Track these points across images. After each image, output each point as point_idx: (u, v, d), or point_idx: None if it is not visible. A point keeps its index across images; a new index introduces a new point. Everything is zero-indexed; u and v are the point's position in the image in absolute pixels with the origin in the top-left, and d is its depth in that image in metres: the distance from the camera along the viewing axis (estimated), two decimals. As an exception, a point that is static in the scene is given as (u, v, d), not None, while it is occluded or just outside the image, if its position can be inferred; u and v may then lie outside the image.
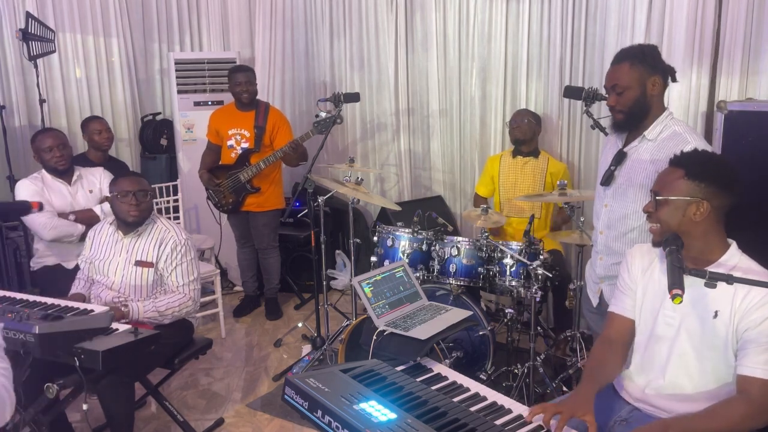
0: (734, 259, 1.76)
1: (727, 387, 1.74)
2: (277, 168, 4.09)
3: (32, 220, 3.28)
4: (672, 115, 2.26)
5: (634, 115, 2.21)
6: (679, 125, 2.22)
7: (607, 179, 2.31)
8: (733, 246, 1.79)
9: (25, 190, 3.32)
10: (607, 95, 2.28)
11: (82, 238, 3.28)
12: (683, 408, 1.77)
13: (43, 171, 3.43)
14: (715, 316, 1.72)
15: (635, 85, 2.18)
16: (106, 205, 3.25)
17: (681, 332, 1.78)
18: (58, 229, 3.28)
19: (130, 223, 2.72)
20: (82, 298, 2.75)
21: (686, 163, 1.77)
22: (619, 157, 2.28)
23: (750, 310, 1.66)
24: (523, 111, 3.77)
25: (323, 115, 3.52)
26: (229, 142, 4.02)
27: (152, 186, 2.86)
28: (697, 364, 1.77)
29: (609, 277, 2.32)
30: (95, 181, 3.52)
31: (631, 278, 1.94)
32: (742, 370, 1.67)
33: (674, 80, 2.25)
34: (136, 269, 2.69)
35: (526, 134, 3.69)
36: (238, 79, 3.93)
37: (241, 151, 3.98)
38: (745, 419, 1.63)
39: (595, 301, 2.43)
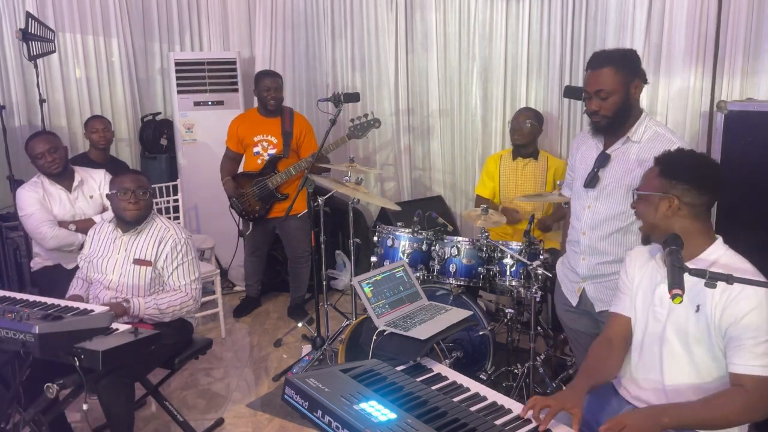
0: (716, 253, 1.78)
1: (722, 383, 1.74)
2: (302, 173, 4.03)
3: (33, 229, 3.28)
4: (649, 115, 2.28)
5: (617, 119, 2.21)
6: (659, 126, 2.25)
7: (591, 181, 2.30)
8: (718, 241, 1.81)
9: (25, 198, 3.31)
10: (586, 100, 2.26)
11: (83, 246, 3.29)
12: None
13: (42, 175, 3.42)
14: (697, 310, 1.73)
15: (620, 89, 2.17)
16: (108, 214, 3.23)
17: (668, 327, 1.80)
18: (59, 239, 3.28)
19: (129, 221, 2.72)
20: (79, 300, 2.74)
21: (662, 161, 1.83)
22: (603, 159, 2.28)
23: (730, 304, 1.67)
24: (524, 112, 3.72)
25: (362, 119, 3.44)
26: (255, 149, 3.94)
27: (152, 186, 2.85)
28: (687, 360, 1.77)
29: (593, 277, 2.33)
30: (95, 186, 3.50)
31: (629, 278, 1.97)
32: (733, 369, 1.68)
33: (645, 82, 2.24)
34: (134, 267, 2.68)
35: (527, 138, 3.67)
36: (267, 84, 3.87)
37: (268, 158, 3.92)
38: (740, 412, 1.65)
39: (574, 300, 2.42)
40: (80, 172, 3.50)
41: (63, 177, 3.42)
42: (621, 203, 2.24)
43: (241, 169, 4.08)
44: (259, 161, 3.93)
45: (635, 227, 2.18)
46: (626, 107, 2.20)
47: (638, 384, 1.89)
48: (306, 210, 3.75)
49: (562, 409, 1.66)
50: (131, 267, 2.69)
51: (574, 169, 2.48)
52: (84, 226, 3.34)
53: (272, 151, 3.92)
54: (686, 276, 1.53)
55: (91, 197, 3.47)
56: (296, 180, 3.92)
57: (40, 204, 3.31)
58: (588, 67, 2.25)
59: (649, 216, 1.83)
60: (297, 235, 4.02)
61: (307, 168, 3.76)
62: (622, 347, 1.93)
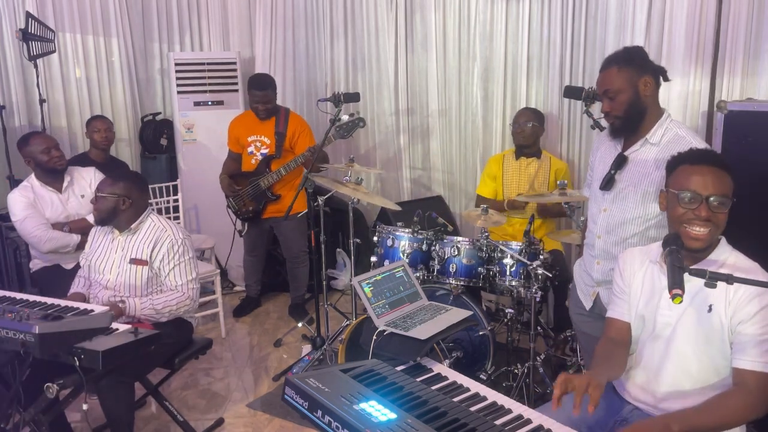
0: (724, 254, 1.78)
1: (726, 381, 1.75)
2: (299, 173, 4.01)
3: (27, 234, 3.27)
4: (671, 116, 2.21)
5: (630, 118, 2.16)
6: (680, 128, 2.18)
7: (607, 183, 2.24)
8: (723, 241, 1.81)
9: (17, 203, 3.29)
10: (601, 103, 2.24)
11: (79, 247, 3.27)
12: (683, 405, 1.77)
13: (32, 178, 3.39)
14: (710, 310, 1.73)
15: (626, 87, 2.13)
16: None
17: (678, 329, 1.79)
18: (54, 242, 3.27)
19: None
20: (81, 297, 2.75)
21: (723, 163, 1.77)
22: (620, 161, 2.22)
23: (742, 301, 1.68)
24: (526, 112, 3.73)
25: (345, 118, 3.44)
26: (249, 149, 3.97)
27: (150, 186, 2.85)
28: (695, 360, 1.77)
29: (607, 282, 2.28)
30: (86, 184, 3.48)
31: (625, 282, 1.95)
32: (738, 364, 1.69)
33: (666, 79, 2.21)
34: (131, 267, 2.68)
35: (529, 139, 3.68)
36: (256, 96, 3.86)
37: (261, 158, 3.94)
38: (744, 411, 1.65)
39: (588, 304, 2.38)
40: (69, 172, 3.47)
41: (54, 178, 3.39)
42: (637, 207, 2.18)
43: None
44: (253, 161, 3.96)
45: (651, 233, 2.15)
46: (638, 106, 2.14)
47: (640, 386, 1.89)
48: (305, 210, 3.63)
49: (587, 384, 1.63)
50: (128, 267, 2.69)
51: (593, 168, 2.42)
52: (77, 226, 3.33)
53: (264, 151, 3.94)
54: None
55: (83, 196, 3.45)
56: (290, 180, 3.93)
57: (32, 208, 3.28)
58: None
59: (724, 222, 1.76)
60: (293, 236, 4.04)
61: (299, 166, 3.77)
62: (625, 349, 1.93)
